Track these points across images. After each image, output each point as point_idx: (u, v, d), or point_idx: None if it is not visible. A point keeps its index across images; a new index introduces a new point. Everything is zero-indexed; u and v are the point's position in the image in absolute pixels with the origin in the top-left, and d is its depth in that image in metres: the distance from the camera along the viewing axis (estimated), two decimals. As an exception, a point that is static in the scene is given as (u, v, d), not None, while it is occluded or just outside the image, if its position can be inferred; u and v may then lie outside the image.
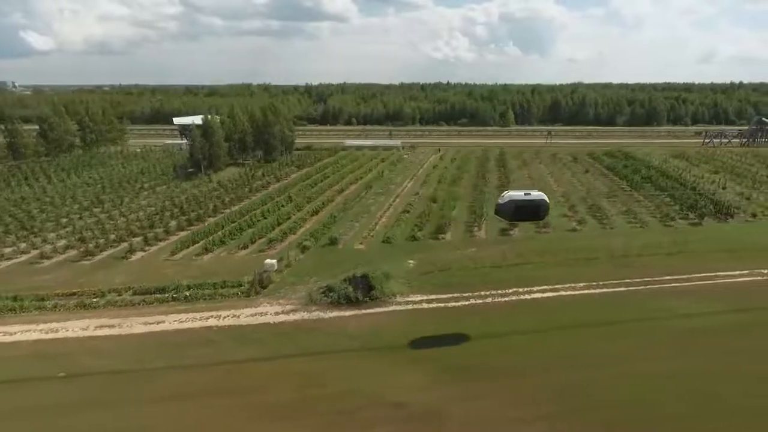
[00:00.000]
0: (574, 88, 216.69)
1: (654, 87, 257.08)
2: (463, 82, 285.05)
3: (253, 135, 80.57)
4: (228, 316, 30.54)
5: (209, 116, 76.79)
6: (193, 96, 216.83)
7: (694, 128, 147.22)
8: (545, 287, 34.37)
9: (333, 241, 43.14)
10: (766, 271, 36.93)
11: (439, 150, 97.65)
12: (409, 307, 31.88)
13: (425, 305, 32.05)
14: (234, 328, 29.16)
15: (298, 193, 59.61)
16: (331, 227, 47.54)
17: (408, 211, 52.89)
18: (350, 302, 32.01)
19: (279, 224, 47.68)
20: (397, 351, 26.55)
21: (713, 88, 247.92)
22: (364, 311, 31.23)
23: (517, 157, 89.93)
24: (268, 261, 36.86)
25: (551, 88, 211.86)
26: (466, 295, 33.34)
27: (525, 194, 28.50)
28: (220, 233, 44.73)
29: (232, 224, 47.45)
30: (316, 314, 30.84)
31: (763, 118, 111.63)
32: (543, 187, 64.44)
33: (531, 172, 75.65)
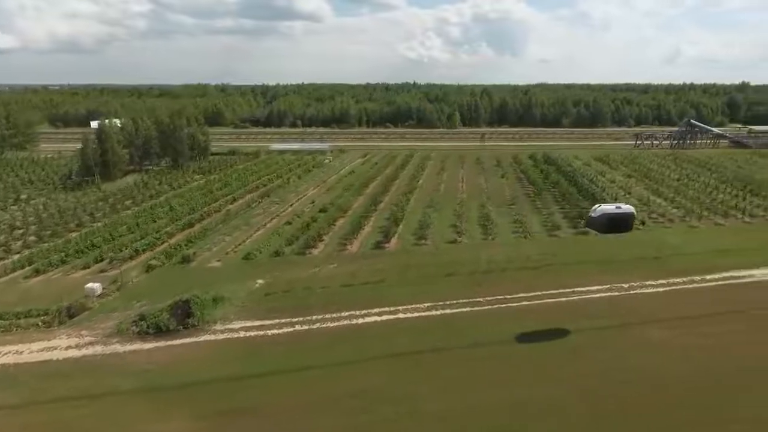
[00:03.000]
0: (527, 89, 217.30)
1: (614, 87, 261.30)
2: (435, 83, 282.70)
3: (158, 140, 76.47)
4: (10, 352, 27.20)
5: (106, 120, 72.41)
6: (136, 98, 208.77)
7: (634, 130, 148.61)
8: (386, 309, 32.05)
9: (186, 259, 40.01)
10: (627, 285, 35.47)
11: (366, 155, 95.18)
12: (224, 336, 29.08)
13: (242, 334, 29.29)
14: (3, 368, 25.84)
15: (185, 203, 56.17)
16: (197, 242, 44.42)
17: (291, 223, 50.12)
18: (161, 332, 29.07)
19: (141, 239, 44.30)
20: (174, 392, 23.68)
21: (668, 89, 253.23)
22: (170, 342, 28.28)
23: (443, 160, 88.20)
24: (89, 285, 33.58)
25: (501, 89, 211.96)
26: (297, 320, 30.78)
27: (616, 207, 30.21)
28: (64, 252, 41.05)
29: (89, 240, 43.82)
30: (113, 348, 27.74)
31: (692, 120, 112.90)
32: (448, 194, 62.90)
33: (445, 178, 73.69)
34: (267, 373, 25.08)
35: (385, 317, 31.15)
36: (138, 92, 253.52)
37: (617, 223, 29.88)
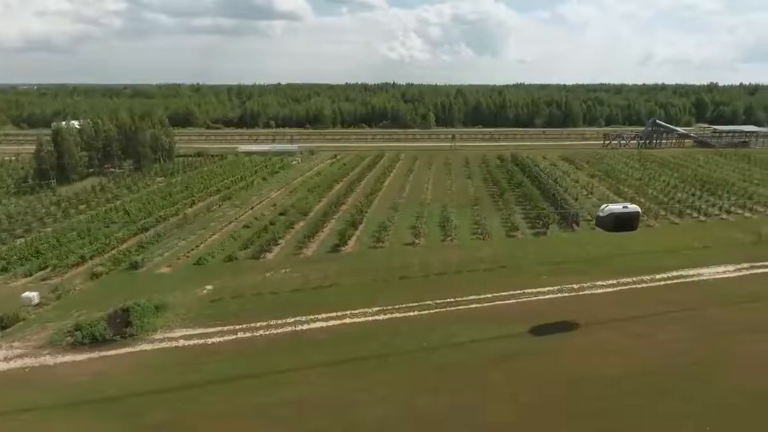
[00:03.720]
0: (501, 89, 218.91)
1: (589, 88, 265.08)
2: (415, 83, 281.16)
3: (120, 142, 74.62)
4: (-68, 367, 25.96)
5: (63, 122, 70.37)
6: (107, 98, 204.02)
7: (604, 130, 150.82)
8: (333, 314, 31.57)
9: (134, 266, 38.93)
10: (577, 286, 35.65)
11: (336, 156, 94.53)
12: (161, 345, 28.24)
13: (181, 343, 28.49)
14: None
15: (142, 207, 54.82)
16: (149, 248, 43.31)
17: (249, 227, 49.30)
18: (97, 342, 28.09)
19: (91, 244, 42.99)
20: (98, 406, 22.77)
21: (641, 89, 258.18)
22: (104, 353, 27.34)
23: (412, 161, 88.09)
24: (25, 294, 32.40)
25: (478, 89, 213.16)
26: (240, 327, 30.10)
27: (623, 207, 31.37)
28: (6, 259, 39.55)
29: (34, 246, 42.35)
30: (42, 360, 26.70)
31: (658, 120, 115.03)
32: (412, 195, 62.71)
33: (412, 179, 73.52)
34: (199, 384, 24.37)
35: (331, 323, 30.67)
36: (110, 92, 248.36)
37: (623, 222, 31.05)
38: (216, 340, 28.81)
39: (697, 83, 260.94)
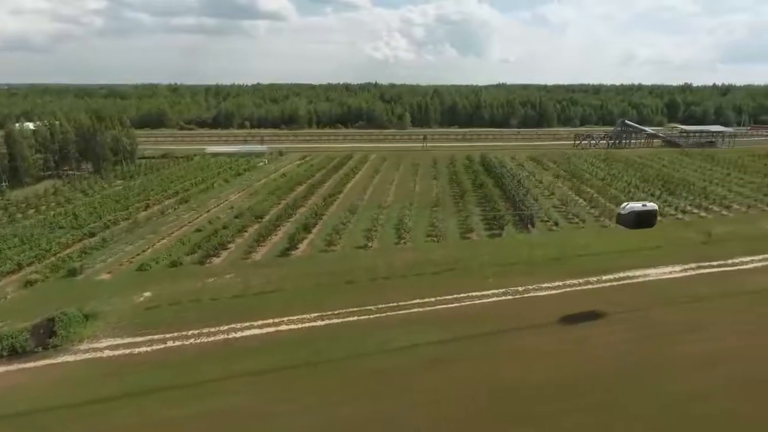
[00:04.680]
0: (478, 89, 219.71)
1: (568, 88, 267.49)
2: (399, 83, 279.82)
3: (78, 144, 72.76)
4: None
5: (17, 124, 68.39)
6: (79, 98, 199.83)
7: (578, 130, 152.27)
8: (270, 320, 30.85)
9: (72, 273, 37.68)
10: (522, 289, 35.41)
11: (305, 157, 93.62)
12: (85, 356, 27.22)
13: (106, 353, 27.51)
14: None
15: (93, 211, 53.39)
16: (93, 253, 42.07)
17: (200, 230, 48.27)
18: (16, 354, 27.00)
19: (31, 250, 41.56)
20: (3, 422, 21.84)
21: (618, 90, 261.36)
22: (22, 366, 26.27)
23: (381, 162, 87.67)
24: (-54, 305, 31.05)
25: (455, 89, 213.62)
26: (172, 335, 29.20)
27: (642, 205, 33.57)
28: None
29: (-29, 254, 40.81)
30: (-46, 374, 25.56)
31: (626, 120, 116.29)
32: (374, 197, 62.20)
33: (377, 181, 73.03)
34: (116, 397, 23.49)
35: (266, 330, 29.94)
36: (84, 92, 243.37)
37: (643, 219, 33.10)
38: (143, 349, 27.89)
39: (675, 84, 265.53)
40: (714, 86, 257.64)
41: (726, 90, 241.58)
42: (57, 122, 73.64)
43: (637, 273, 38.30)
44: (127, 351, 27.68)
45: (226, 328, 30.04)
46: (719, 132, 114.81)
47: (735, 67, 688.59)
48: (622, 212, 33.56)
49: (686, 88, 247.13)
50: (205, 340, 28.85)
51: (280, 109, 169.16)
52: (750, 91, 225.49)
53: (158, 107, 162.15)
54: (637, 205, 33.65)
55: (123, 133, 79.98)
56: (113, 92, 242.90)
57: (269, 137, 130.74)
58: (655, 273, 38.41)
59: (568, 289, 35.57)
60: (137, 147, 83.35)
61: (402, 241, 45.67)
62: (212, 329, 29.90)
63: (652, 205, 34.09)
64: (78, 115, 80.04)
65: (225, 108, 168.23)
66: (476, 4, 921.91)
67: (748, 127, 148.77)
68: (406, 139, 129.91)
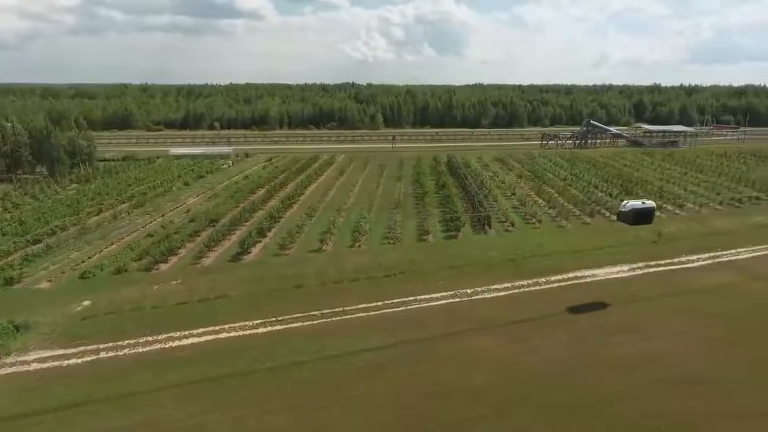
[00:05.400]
0: (450, 89, 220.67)
1: (542, 88, 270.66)
2: (378, 83, 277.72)
3: (31, 147, 70.41)
4: None
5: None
6: (44, 99, 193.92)
7: (549, 130, 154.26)
8: (210, 328, 30.18)
9: (8, 281, 36.29)
10: (471, 291, 35.44)
11: (271, 159, 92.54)
12: (11, 370, 26.04)
13: (33, 366, 26.45)
14: None
15: (41, 217, 51.66)
16: (35, 261, 40.67)
17: (152, 235, 47.13)
18: (-63, 370, 25.80)
19: (-31, 260, 39.97)
20: None
21: (590, 90, 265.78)
22: (-58, 382, 25.14)
23: (347, 164, 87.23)
24: None
25: (425, 90, 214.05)
26: (106, 346, 28.27)
27: (642, 203, 35.44)
28: None
29: None
30: None
31: (591, 121, 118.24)
32: (335, 199, 61.77)
33: (340, 183, 72.59)
34: (37, 412, 22.59)
35: (205, 338, 29.29)
36: (50, 93, 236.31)
37: (642, 216, 34.82)
38: (74, 361, 26.95)
39: (646, 84, 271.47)
40: (681, 87, 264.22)
41: (692, 90, 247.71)
42: (9, 124, 71.08)
43: (587, 273, 38.73)
44: (56, 363, 26.71)
45: (164, 337, 29.27)
46: (681, 132, 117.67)
47: (702, 68, 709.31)
48: (623, 210, 35.21)
49: (654, 89, 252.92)
50: (141, 350, 28.04)
51: (251, 109, 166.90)
52: (714, 91, 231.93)
53: (125, 108, 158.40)
54: (636, 204, 35.47)
55: (80, 135, 77.64)
56: (80, 92, 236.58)
57: (237, 138, 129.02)
58: (603, 273, 38.91)
59: (517, 291, 35.77)
60: (95, 149, 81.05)
61: (357, 244, 45.35)
62: (149, 339, 29.10)
63: (650, 203, 36.00)
64: (33, 117, 77.15)
65: (194, 109, 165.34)
66: (454, 4, 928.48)
67: (710, 127, 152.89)
68: (376, 139, 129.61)
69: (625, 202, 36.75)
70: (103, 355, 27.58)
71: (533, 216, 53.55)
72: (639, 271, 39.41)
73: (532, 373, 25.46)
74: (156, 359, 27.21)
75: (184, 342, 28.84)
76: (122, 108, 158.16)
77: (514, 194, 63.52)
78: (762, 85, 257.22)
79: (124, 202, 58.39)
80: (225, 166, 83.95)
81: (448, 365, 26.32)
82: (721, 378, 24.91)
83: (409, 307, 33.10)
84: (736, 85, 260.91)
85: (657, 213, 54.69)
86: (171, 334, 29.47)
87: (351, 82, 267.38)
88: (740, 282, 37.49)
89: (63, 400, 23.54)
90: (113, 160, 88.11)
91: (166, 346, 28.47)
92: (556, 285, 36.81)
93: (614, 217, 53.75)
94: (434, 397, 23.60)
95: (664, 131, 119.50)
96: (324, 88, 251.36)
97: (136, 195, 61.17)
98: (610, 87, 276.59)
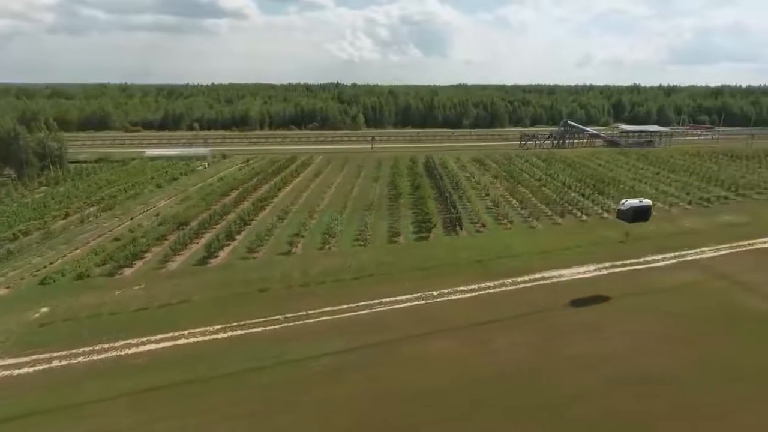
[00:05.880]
0: (433, 90, 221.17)
1: (525, 89, 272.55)
2: (363, 83, 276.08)
3: (-2, 149, 68.92)
4: None
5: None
6: (18, 99, 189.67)
7: (530, 130, 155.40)
8: (169, 334, 29.70)
9: (-36, 288, 35.42)
10: (437, 293, 35.40)
11: (248, 160, 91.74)
12: (-43, 381, 25.51)
13: (-17, 376, 25.86)
14: None
15: (4, 221, 50.46)
16: (-6, 266, 39.70)
17: (119, 239, 46.34)
18: None
19: (-75, 266, 38.86)
20: None
21: (571, 90, 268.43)
22: None
23: (325, 165, 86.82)
24: None
25: (408, 90, 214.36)
26: (59, 354, 27.65)
27: (639, 201, 38.18)
28: None
29: None
30: None
31: (569, 121, 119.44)
32: (309, 201, 61.44)
33: (316, 184, 72.18)
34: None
35: (163, 344, 28.81)
36: (26, 93, 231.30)
37: (640, 214, 37.45)
38: (25, 371, 26.31)
39: (627, 85, 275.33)
40: (660, 87, 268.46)
41: (671, 91, 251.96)
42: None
43: (553, 274, 38.96)
44: (6, 373, 26.05)
45: (121, 344, 28.73)
46: (657, 132, 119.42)
47: (683, 68, 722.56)
48: (622, 208, 37.63)
49: (634, 89, 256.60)
50: (96, 358, 27.50)
51: (231, 110, 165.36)
52: (691, 92, 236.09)
53: (102, 108, 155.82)
54: (634, 202, 37.97)
55: (50, 137, 76.08)
56: (57, 92, 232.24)
57: (215, 139, 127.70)
58: (569, 273, 39.18)
59: (482, 292, 35.82)
60: (67, 151, 79.43)
61: (327, 246, 45.09)
62: (106, 346, 28.55)
63: (647, 202, 38.49)
64: (1, 118, 75.31)
65: (173, 109, 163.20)
66: (438, 5, 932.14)
67: (687, 127, 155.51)
68: (356, 140, 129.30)
69: (623, 201, 38.81)
70: (56, 363, 26.97)
71: (505, 217, 53.76)
72: (605, 271, 39.77)
73: (491, 374, 25.52)
74: (110, 367, 26.69)
75: (141, 349, 28.36)
76: (99, 109, 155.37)
77: (488, 195, 63.72)
78: (738, 85, 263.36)
79: (93, 206, 57.31)
80: (200, 167, 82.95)
81: (407, 368, 26.25)
82: (674, 377, 25.24)
83: (373, 310, 32.96)
84: (712, 85, 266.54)
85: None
86: (128, 341, 28.95)
87: (336, 82, 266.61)
88: (703, 281, 38.06)
89: (9, 411, 22.97)
90: (86, 162, 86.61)
91: (122, 353, 27.95)
92: (521, 286, 36.95)
93: (585, 217, 54.78)
94: (392, 401, 23.54)
95: (641, 131, 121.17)
96: (308, 89, 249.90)
97: (105, 198, 60.09)
98: (591, 87, 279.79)
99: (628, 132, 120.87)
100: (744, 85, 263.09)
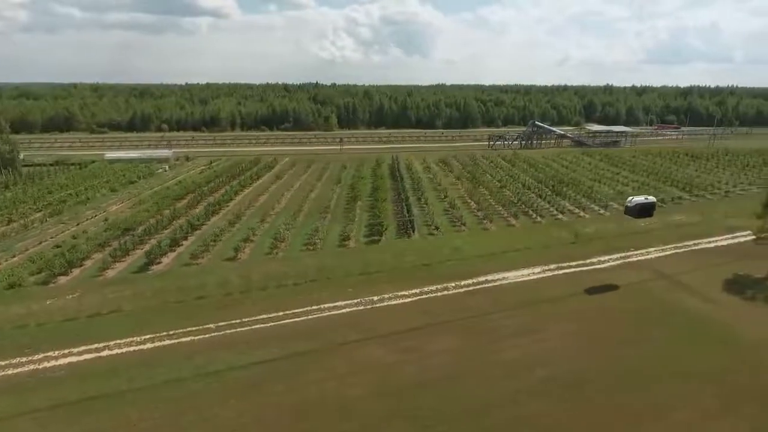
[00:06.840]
0: (410, 90, 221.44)
1: (503, 88, 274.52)
2: (344, 83, 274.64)
3: (-56, 152, 66.56)
4: None
5: None
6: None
7: (501, 130, 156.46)
8: (93, 346, 28.71)
9: None
10: (377, 298, 35.04)
11: (212, 162, 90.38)
12: None
13: None
14: None
15: (-57, 228, 48.68)
16: None
17: (59, 246, 44.99)
18: None
19: None
20: None
21: (546, 90, 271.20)
22: None
23: (289, 167, 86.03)
24: None
25: (385, 90, 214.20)
26: (-27, 369, 26.62)
27: (645, 198, 40.27)
28: None
29: None
30: None
31: (536, 121, 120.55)
32: (266, 205, 60.69)
33: (276, 187, 71.44)
34: None
35: (85, 356, 27.86)
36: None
37: (645, 210, 39.83)
38: (-73, 388, 25.19)
39: (602, 84, 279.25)
40: (632, 87, 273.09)
41: (642, 91, 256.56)
42: None
43: (497, 276, 38.93)
44: None
45: (40, 356, 27.73)
46: (623, 132, 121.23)
47: (658, 68, 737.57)
48: (629, 205, 39.85)
49: (607, 89, 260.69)
50: (10, 372, 26.43)
51: (201, 111, 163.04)
52: (661, 92, 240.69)
53: (66, 109, 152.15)
54: (640, 199, 40.12)
55: (1, 139, 73.79)
56: (24, 92, 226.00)
57: (182, 141, 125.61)
58: (514, 276, 39.20)
59: (424, 297, 35.56)
60: (19, 154, 77.13)
61: (275, 251, 44.43)
62: (24, 359, 27.52)
63: (652, 198, 40.85)
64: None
65: (142, 110, 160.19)
66: (419, 5, 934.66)
67: (655, 127, 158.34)
68: (326, 141, 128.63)
69: (630, 198, 41.25)
70: (-35, 379, 25.90)
71: (459, 219, 53.74)
72: (550, 273, 39.91)
73: (411, 382, 25.19)
74: (24, 381, 25.69)
75: (61, 362, 27.39)
76: (64, 109, 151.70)
77: (447, 196, 63.72)
78: (707, 86, 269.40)
79: (40, 211, 55.64)
80: (161, 170, 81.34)
81: (331, 378, 25.79)
82: (597, 378, 25.27)
83: (310, 317, 32.46)
84: (683, 86, 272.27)
85: (582, 214, 56.63)
86: (48, 354, 27.96)
87: (315, 82, 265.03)
88: (646, 281, 38.42)
89: None
90: (42, 165, 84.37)
91: (40, 366, 26.95)
92: (464, 290, 36.78)
93: (539, 218, 55.15)
94: (305, 413, 23.03)
95: (608, 131, 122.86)
96: (286, 89, 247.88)
97: (54, 203, 58.42)
98: (566, 88, 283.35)
99: (595, 132, 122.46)
100: (713, 86, 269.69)
